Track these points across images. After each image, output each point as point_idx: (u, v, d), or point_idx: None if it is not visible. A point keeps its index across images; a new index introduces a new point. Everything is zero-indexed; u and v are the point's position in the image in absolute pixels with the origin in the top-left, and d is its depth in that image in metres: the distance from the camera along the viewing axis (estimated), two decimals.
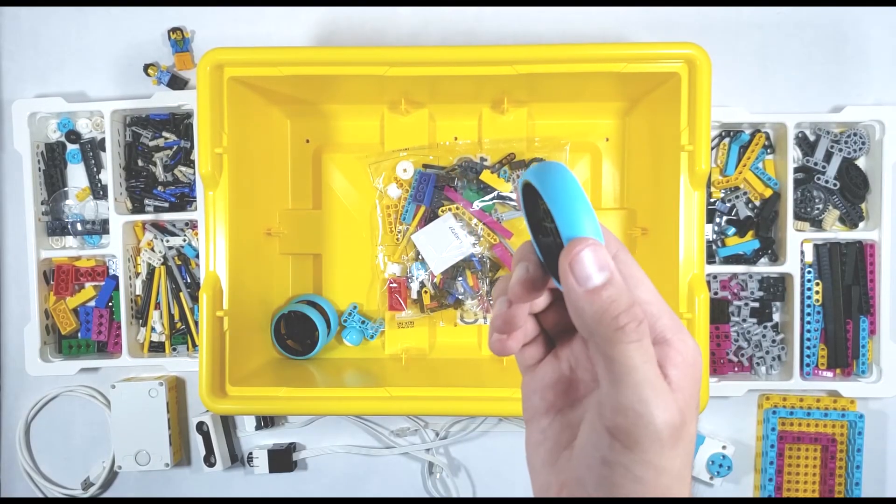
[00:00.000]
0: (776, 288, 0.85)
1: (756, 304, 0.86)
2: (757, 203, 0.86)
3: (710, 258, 0.85)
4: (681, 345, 0.32)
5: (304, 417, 0.88)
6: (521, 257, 0.33)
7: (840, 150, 0.84)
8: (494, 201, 0.84)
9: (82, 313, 0.88)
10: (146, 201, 0.87)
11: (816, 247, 0.85)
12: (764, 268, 0.84)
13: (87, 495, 0.88)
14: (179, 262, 0.87)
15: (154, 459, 0.85)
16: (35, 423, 0.90)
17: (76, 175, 0.89)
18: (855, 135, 0.84)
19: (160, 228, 0.88)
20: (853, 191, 0.84)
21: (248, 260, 0.79)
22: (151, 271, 0.87)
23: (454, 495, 0.88)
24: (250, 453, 0.87)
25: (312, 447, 0.88)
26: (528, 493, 0.87)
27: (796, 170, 0.85)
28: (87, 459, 0.90)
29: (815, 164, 0.84)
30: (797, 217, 0.84)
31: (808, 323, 0.84)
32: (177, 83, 0.86)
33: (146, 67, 0.86)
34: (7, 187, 0.89)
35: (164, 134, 0.87)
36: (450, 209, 0.83)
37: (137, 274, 0.88)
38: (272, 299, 0.85)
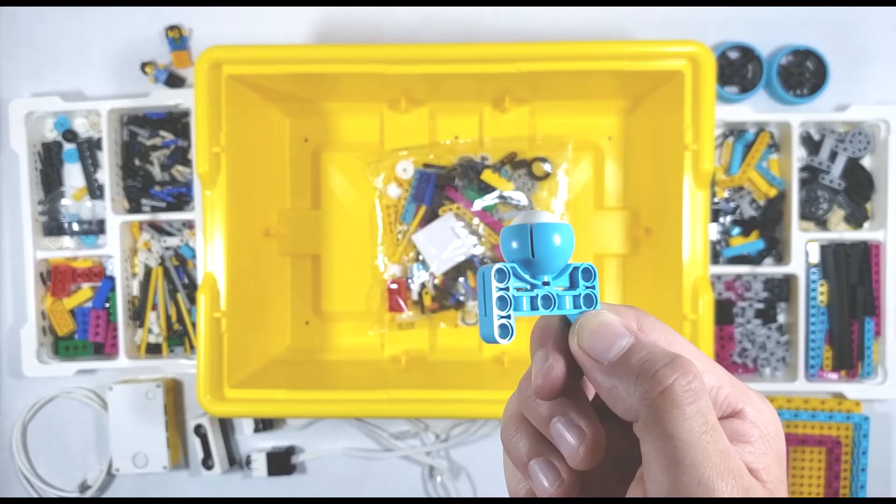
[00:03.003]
0: (781, 289, 0.84)
1: (761, 306, 0.85)
2: (761, 203, 0.85)
3: (715, 259, 0.85)
4: (755, 414, 0.26)
5: (303, 420, 0.87)
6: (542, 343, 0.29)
7: (845, 149, 0.83)
8: (496, 201, 0.83)
9: (79, 314, 0.87)
10: (143, 201, 0.86)
11: (822, 247, 0.84)
12: (769, 268, 0.83)
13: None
14: (177, 263, 0.87)
15: (152, 462, 0.84)
16: (32, 426, 0.89)
17: (73, 175, 0.88)
18: (860, 134, 0.83)
19: (157, 228, 0.87)
20: (858, 190, 0.83)
21: (247, 260, 0.78)
22: (148, 272, 0.86)
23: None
24: (249, 456, 0.86)
25: (311, 450, 0.88)
26: None
27: (801, 169, 0.84)
28: (84, 462, 0.89)
29: (820, 163, 0.84)
30: (802, 217, 0.83)
31: (813, 324, 0.83)
32: (174, 81, 0.85)
33: (143, 66, 0.85)
34: (4, 187, 0.88)
35: (162, 133, 0.86)
36: (451, 209, 0.83)
37: (134, 275, 0.87)
38: (270, 301, 0.84)
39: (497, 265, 0.28)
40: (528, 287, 0.28)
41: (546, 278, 0.29)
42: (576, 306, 0.29)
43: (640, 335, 0.26)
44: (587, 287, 0.29)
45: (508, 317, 0.28)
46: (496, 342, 0.28)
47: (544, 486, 0.27)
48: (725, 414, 0.27)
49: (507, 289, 0.28)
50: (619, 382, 0.25)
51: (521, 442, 0.28)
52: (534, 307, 0.28)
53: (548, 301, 0.29)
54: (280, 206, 0.86)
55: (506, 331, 0.28)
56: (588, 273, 0.29)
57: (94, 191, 0.87)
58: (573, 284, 0.29)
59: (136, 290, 0.87)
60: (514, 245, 0.28)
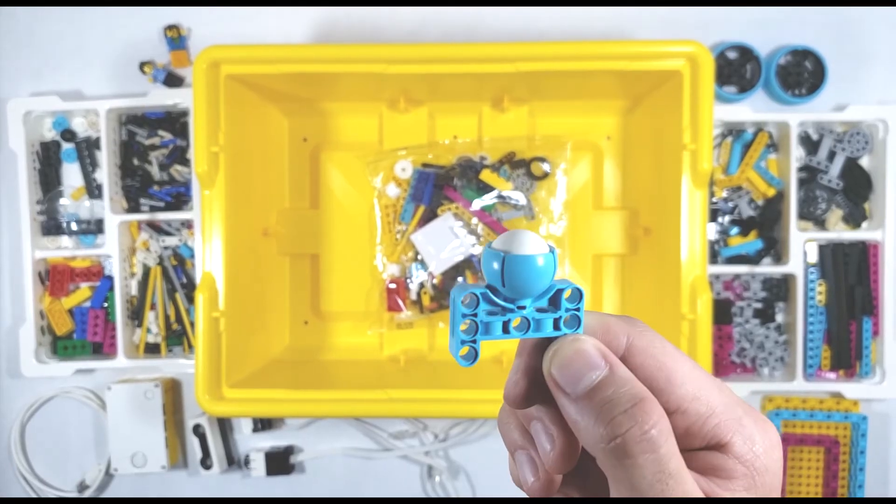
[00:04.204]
0: (779, 288, 0.84)
1: (759, 305, 0.85)
2: (759, 203, 0.85)
3: (713, 258, 0.85)
4: (742, 447, 0.25)
5: (302, 419, 0.87)
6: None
7: (843, 149, 0.83)
8: (495, 201, 0.83)
9: (77, 314, 0.87)
10: (142, 201, 0.86)
11: (820, 247, 0.84)
12: (767, 268, 0.83)
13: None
14: (175, 263, 0.86)
15: (150, 462, 0.84)
16: (30, 426, 0.89)
17: (71, 174, 0.88)
18: (858, 134, 0.83)
19: (156, 228, 0.87)
20: (857, 190, 0.84)
21: (245, 260, 0.78)
22: (147, 272, 0.86)
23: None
24: (247, 456, 0.86)
25: (310, 450, 0.88)
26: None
27: (799, 169, 0.84)
28: (82, 462, 0.89)
29: (818, 163, 0.84)
30: (801, 217, 0.84)
31: (811, 324, 0.83)
32: (173, 81, 0.85)
33: (142, 65, 0.85)
34: (2, 187, 0.88)
35: (160, 132, 0.86)
36: (449, 209, 0.83)
37: (133, 274, 0.87)
38: (269, 300, 0.84)
39: (467, 290, 0.27)
40: (501, 311, 0.27)
41: (524, 303, 0.27)
42: (556, 327, 0.27)
43: (617, 366, 0.25)
44: (570, 310, 0.27)
45: (474, 342, 0.27)
46: (461, 364, 0.27)
47: (527, 477, 0.28)
48: (710, 445, 0.26)
49: (475, 315, 0.27)
50: (580, 419, 0.25)
51: (513, 431, 0.29)
52: (506, 331, 0.27)
53: (523, 325, 0.27)
54: (279, 205, 0.85)
55: (470, 356, 0.27)
56: (574, 296, 0.27)
57: (93, 190, 0.87)
58: (557, 305, 0.27)
59: (134, 290, 0.87)
60: (495, 266, 0.26)
